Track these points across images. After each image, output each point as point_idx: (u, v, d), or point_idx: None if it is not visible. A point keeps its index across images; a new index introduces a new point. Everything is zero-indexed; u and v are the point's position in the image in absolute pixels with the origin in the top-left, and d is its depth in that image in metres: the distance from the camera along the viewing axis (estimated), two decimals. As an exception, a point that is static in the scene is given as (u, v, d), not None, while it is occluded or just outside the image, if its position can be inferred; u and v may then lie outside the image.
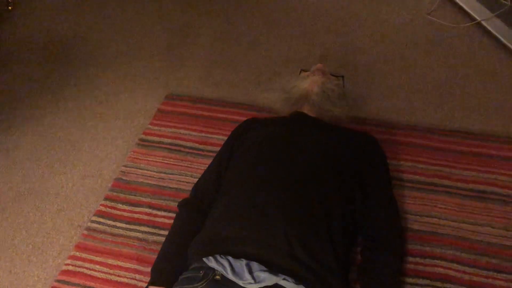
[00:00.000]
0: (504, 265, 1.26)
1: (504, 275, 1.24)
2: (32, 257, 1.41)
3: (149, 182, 1.55)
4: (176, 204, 1.35)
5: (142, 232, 1.40)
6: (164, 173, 1.57)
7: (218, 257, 1.06)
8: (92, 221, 1.45)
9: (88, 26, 2.33)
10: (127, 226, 1.42)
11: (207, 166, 1.43)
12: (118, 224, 1.43)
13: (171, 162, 1.60)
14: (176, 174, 1.56)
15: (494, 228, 1.34)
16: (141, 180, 1.56)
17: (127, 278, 1.30)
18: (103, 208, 1.48)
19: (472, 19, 2.09)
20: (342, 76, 1.59)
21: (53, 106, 1.91)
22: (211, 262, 1.05)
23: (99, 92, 1.96)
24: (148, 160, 1.62)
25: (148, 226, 1.42)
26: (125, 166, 1.61)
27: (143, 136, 1.71)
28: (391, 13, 2.22)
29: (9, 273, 1.38)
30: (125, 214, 1.46)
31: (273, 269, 1.03)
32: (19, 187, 1.61)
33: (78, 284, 1.30)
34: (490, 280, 1.23)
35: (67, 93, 1.97)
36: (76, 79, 2.04)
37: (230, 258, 1.05)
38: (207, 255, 1.08)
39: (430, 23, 2.14)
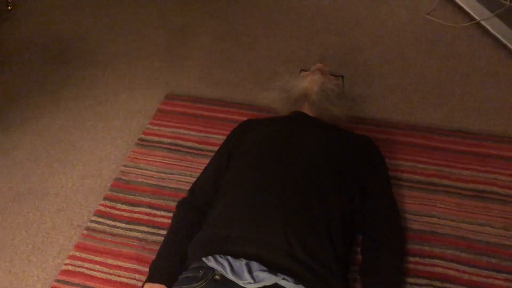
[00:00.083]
0: (504, 264, 1.26)
1: (504, 274, 1.24)
2: (31, 257, 1.41)
3: (149, 182, 1.55)
4: (176, 204, 1.35)
5: (142, 232, 1.40)
6: (164, 173, 1.57)
7: (217, 257, 1.06)
8: (92, 221, 1.45)
9: (88, 26, 2.33)
10: (127, 226, 1.42)
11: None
12: (118, 224, 1.43)
13: (171, 162, 1.60)
14: (176, 174, 1.56)
15: (494, 227, 1.34)
16: (141, 180, 1.56)
17: (127, 278, 1.30)
18: (102, 208, 1.48)
19: (472, 19, 2.09)
20: (342, 76, 1.59)
21: (53, 106, 1.91)
22: (210, 262, 1.06)
23: (99, 92, 1.96)
24: (147, 160, 1.62)
25: (147, 226, 1.42)
26: (125, 166, 1.61)
27: (143, 136, 1.71)
28: (391, 13, 2.22)
29: (8, 273, 1.38)
30: (125, 214, 1.46)
31: (272, 268, 1.03)
32: (18, 187, 1.61)
33: (78, 284, 1.30)
34: (489, 280, 1.23)
35: (66, 93, 1.97)
36: (75, 79, 2.04)
37: (229, 258, 1.05)
38: (206, 255, 1.08)
39: (429, 23, 2.14)
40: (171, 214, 1.37)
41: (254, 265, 1.03)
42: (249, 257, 1.05)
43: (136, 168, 1.59)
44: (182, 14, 2.35)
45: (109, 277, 1.31)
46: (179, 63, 2.07)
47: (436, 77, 1.87)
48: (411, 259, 1.28)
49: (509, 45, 1.92)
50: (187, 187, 1.41)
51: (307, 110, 1.43)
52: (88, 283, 1.30)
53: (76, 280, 1.31)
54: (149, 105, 1.87)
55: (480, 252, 1.29)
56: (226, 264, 1.03)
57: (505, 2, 2.00)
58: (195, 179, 1.41)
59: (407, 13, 2.20)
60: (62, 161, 1.68)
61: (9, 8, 2.45)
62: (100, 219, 1.45)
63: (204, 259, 1.07)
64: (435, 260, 1.28)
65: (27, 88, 2.01)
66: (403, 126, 1.66)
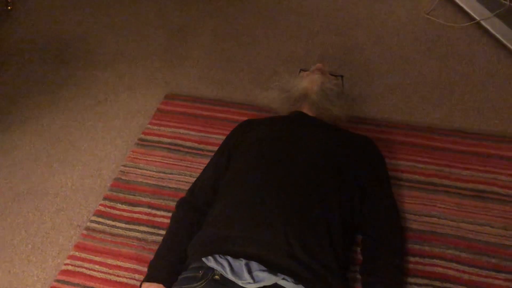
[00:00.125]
0: (503, 264, 1.26)
1: (503, 274, 1.24)
2: (31, 257, 1.41)
3: (149, 182, 1.55)
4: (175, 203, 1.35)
5: (142, 232, 1.40)
6: (164, 172, 1.57)
7: (217, 257, 1.06)
8: (92, 221, 1.45)
9: (88, 26, 2.33)
10: (127, 226, 1.42)
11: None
12: (118, 224, 1.43)
13: (171, 162, 1.60)
14: (176, 174, 1.56)
15: (493, 227, 1.34)
16: (141, 180, 1.56)
17: (127, 278, 1.30)
18: (102, 208, 1.48)
19: (472, 18, 2.09)
20: (341, 76, 1.59)
21: (53, 106, 1.91)
22: (210, 262, 1.06)
23: (99, 92, 1.96)
24: (147, 159, 1.62)
25: (147, 226, 1.42)
26: (125, 165, 1.61)
27: (143, 136, 1.71)
28: (390, 13, 2.22)
29: (8, 273, 1.38)
30: (125, 214, 1.46)
31: (272, 268, 1.03)
32: (18, 187, 1.61)
33: (78, 284, 1.30)
34: (489, 280, 1.23)
35: (66, 93, 1.97)
36: (75, 79, 2.04)
37: (229, 258, 1.05)
38: (206, 255, 1.08)
39: (429, 22, 2.14)
40: (170, 214, 1.37)
41: (254, 265, 1.03)
42: (248, 257, 1.05)
43: (135, 168, 1.59)
44: (182, 14, 2.35)
45: (108, 277, 1.31)
46: (179, 63, 2.07)
47: (436, 77, 1.87)
48: (411, 259, 1.28)
49: (509, 45, 1.92)
50: (186, 187, 1.41)
51: (307, 110, 1.43)
52: (87, 283, 1.30)
53: (75, 280, 1.31)
54: (149, 105, 1.86)
55: (480, 252, 1.29)
56: (225, 264, 1.03)
57: (505, 2, 2.00)
58: (194, 179, 1.41)
59: (406, 13, 2.20)
60: (62, 161, 1.68)
61: (9, 8, 2.45)
62: (100, 219, 1.45)
63: (203, 259, 1.07)
64: (434, 260, 1.28)
65: (27, 88, 2.01)
66: (403, 126, 1.66)
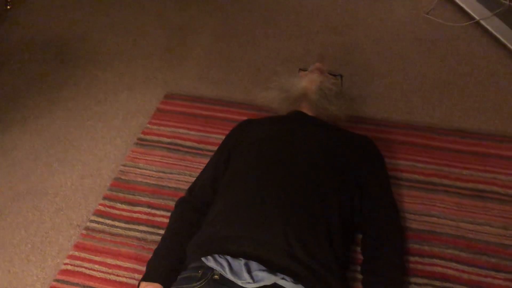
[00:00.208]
0: (503, 264, 1.26)
1: (503, 274, 1.24)
2: (31, 257, 1.41)
3: (148, 181, 1.55)
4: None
5: (141, 231, 1.40)
6: (163, 172, 1.57)
7: (216, 256, 1.06)
8: (91, 221, 1.45)
9: (87, 25, 2.33)
10: (126, 225, 1.42)
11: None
12: (117, 224, 1.43)
13: (170, 162, 1.60)
14: (175, 174, 1.56)
15: (493, 227, 1.34)
16: (140, 179, 1.56)
17: (126, 277, 1.30)
18: (102, 208, 1.48)
19: (471, 18, 2.09)
20: (341, 75, 1.59)
21: (52, 106, 1.91)
22: (209, 261, 1.06)
23: (98, 91, 1.96)
24: (147, 159, 1.62)
25: (147, 225, 1.42)
26: (124, 165, 1.61)
27: (142, 136, 1.71)
28: (390, 13, 2.22)
29: (8, 272, 1.38)
30: (124, 213, 1.46)
31: (271, 268, 1.03)
32: (18, 186, 1.61)
33: (77, 284, 1.30)
34: (489, 279, 1.24)
35: (66, 92, 1.97)
36: (75, 78, 2.03)
37: (228, 257, 1.05)
38: (205, 254, 1.08)
39: (429, 22, 2.14)
40: (170, 214, 1.37)
41: (253, 264, 1.03)
42: (248, 257, 1.05)
43: (135, 167, 1.59)
44: (182, 14, 2.35)
45: (108, 276, 1.31)
46: (178, 63, 2.07)
47: (435, 77, 1.87)
48: (411, 258, 1.28)
49: (508, 44, 1.92)
50: (186, 186, 1.41)
51: (306, 109, 1.43)
52: (87, 283, 1.30)
53: (75, 279, 1.31)
54: (148, 104, 1.86)
55: (480, 252, 1.29)
56: (225, 264, 1.03)
57: (504, 1, 2.00)
58: (194, 178, 1.41)
59: (406, 13, 2.20)
60: (62, 160, 1.68)
61: (8, 7, 2.45)
62: (100, 219, 1.45)
63: (203, 259, 1.07)
64: (434, 260, 1.28)
65: (27, 88, 2.01)
66: (402, 125, 1.66)
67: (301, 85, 1.45)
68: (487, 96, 1.77)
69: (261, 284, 1.00)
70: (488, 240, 1.31)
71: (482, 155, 1.54)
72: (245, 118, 1.55)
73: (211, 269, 1.05)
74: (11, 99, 1.96)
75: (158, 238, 1.32)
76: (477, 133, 1.62)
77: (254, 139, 1.34)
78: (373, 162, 1.36)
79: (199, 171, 1.43)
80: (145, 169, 1.58)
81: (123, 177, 1.57)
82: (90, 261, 1.35)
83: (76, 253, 1.37)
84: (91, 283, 1.30)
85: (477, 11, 2.08)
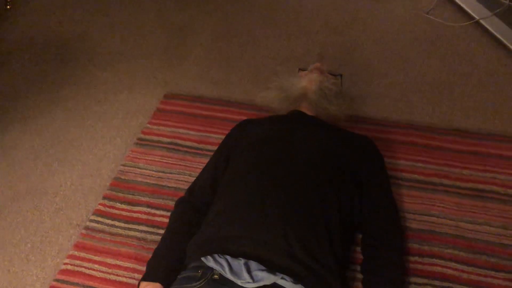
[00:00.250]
0: (503, 263, 1.26)
1: (503, 273, 1.24)
2: (30, 256, 1.41)
3: (148, 181, 1.55)
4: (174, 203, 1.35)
5: (141, 231, 1.40)
6: (163, 172, 1.57)
7: (216, 256, 1.06)
8: (91, 220, 1.45)
9: (87, 25, 2.33)
10: (126, 225, 1.42)
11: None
12: (117, 224, 1.43)
13: (170, 161, 1.60)
14: (175, 173, 1.56)
15: (493, 226, 1.34)
16: (140, 179, 1.56)
17: (126, 277, 1.30)
18: (101, 208, 1.48)
19: (471, 18, 2.09)
20: (340, 75, 1.59)
21: (52, 105, 1.91)
22: (209, 261, 1.06)
23: (98, 91, 1.96)
24: (146, 159, 1.62)
25: (146, 225, 1.42)
26: (124, 165, 1.61)
27: (142, 135, 1.71)
28: (390, 12, 2.22)
29: (7, 272, 1.38)
30: (124, 213, 1.46)
31: (271, 268, 1.03)
32: (17, 186, 1.61)
33: (77, 284, 1.30)
34: (488, 279, 1.24)
35: (65, 92, 1.97)
36: (75, 78, 2.03)
37: (228, 257, 1.05)
38: (205, 254, 1.08)
39: (428, 22, 2.14)
40: (170, 214, 1.37)
41: (253, 264, 1.03)
42: (248, 257, 1.05)
43: (135, 167, 1.59)
44: (181, 14, 2.35)
45: (108, 276, 1.31)
46: (178, 63, 2.07)
47: (435, 76, 1.87)
48: (410, 258, 1.28)
49: (508, 44, 1.92)
50: (186, 186, 1.41)
51: (305, 109, 1.43)
52: (87, 283, 1.30)
53: (75, 279, 1.31)
54: (148, 104, 1.86)
55: (479, 251, 1.29)
56: (224, 263, 1.03)
57: (504, 1, 2.00)
58: (194, 178, 1.41)
59: (406, 13, 2.20)
60: (61, 160, 1.68)
61: (8, 7, 2.45)
62: (99, 219, 1.45)
63: (203, 258, 1.07)
64: (434, 259, 1.28)
65: (26, 88, 2.01)
66: (402, 125, 1.66)
67: (301, 85, 1.45)
68: (487, 96, 1.77)
69: (261, 283, 1.00)
70: (487, 239, 1.31)
71: (482, 155, 1.54)
72: (245, 118, 1.55)
73: (211, 269, 1.05)
74: (11, 99, 1.96)
75: (158, 238, 1.32)
76: (477, 133, 1.62)
77: (254, 139, 1.34)
78: (373, 162, 1.36)
79: (199, 171, 1.43)
80: (145, 169, 1.58)
81: (122, 176, 1.57)
82: (90, 260, 1.35)
83: (76, 253, 1.37)
84: (90, 283, 1.30)
85: (477, 11, 2.08)
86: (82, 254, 1.36)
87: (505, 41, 1.94)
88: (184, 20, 2.30)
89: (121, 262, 1.34)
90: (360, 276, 1.21)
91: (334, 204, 1.17)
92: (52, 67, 2.10)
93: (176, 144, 1.66)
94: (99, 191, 1.55)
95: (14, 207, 1.55)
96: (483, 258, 1.28)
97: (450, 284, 1.23)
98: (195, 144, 1.65)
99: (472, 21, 2.08)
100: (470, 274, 1.24)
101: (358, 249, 1.28)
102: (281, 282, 1.01)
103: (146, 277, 1.15)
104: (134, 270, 1.31)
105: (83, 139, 1.75)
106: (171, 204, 1.39)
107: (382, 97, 1.80)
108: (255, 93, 1.83)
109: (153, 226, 1.41)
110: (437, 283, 1.23)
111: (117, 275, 1.31)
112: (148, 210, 1.46)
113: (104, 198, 1.51)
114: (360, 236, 1.28)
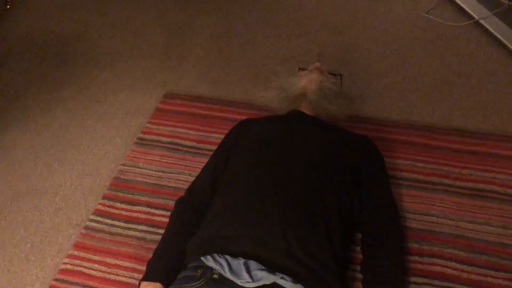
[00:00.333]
0: (503, 263, 1.26)
1: (502, 273, 1.24)
2: (30, 256, 1.41)
3: (148, 181, 1.55)
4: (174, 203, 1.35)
5: (141, 231, 1.40)
6: (163, 172, 1.57)
7: (216, 256, 1.06)
8: (91, 220, 1.45)
9: (87, 25, 2.33)
10: (126, 225, 1.42)
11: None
12: (117, 223, 1.43)
13: (170, 161, 1.60)
14: (175, 173, 1.56)
15: (492, 226, 1.34)
16: (140, 179, 1.56)
17: (126, 277, 1.30)
18: (101, 207, 1.48)
19: (471, 17, 2.09)
20: (340, 75, 1.59)
21: (52, 105, 1.91)
22: (209, 261, 1.06)
23: (98, 91, 1.96)
24: (146, 159, 1.62)
25: (146, 225, 1.42)
26: (124, 165, 1.61)
27: (142, 135, 1.71)
28: (389, 12, 2.22)
29: (7, 272, 1.38)
30: (124, 213, 1.46)
31: (271, 268, 1.03)
32: (17, 186, 1.61)
33: (77, 283, 1.30)
34: (488, 279, 1.23)
35: (65, 92, 1.97)
36: (74, 78, 2.04)
37: (228, 257, 1.05)
38: (205, 254, 1.08)
39: (428, 21, 2.14)
40: (169, 213, 1.37)
41: (252, 264, 1.03)
42: (247, 256, 1.05)
43: (135, 167, 1.59)
44: (181, 14, 2.35)
45: (107, 276, 1.31)
46: (177, 62, 2.07)
47: (435, 76, 1.87)
48: (410, 258, 1.28)
49: (508, 44, 1.92)
50: (185, 186, 1.41)
51: (305, 109, 1.43)
52: (86, 282, 1.30)
53: (74, 279, 1.31)
54: (147, 104, 1.86)
55: (479, 251, 1.29)
56: (224, 263, 1.03)
57: (504, 1, 2.00)
58: (193, 178, 1.41)
59: (406, 12, 2.20)
60: (61, 160, 1.68)
61: (8, 7, 2.45)
62: (99, 218, 1.45)
63: (202, 258, 1.07)
64: (433, 259, 1.28)
65: (26, 87, 2.01)
66: (402, 125, 1.66)
67: (301, 85, 1.45)
68: (486, 95, 1.77)
69: (260, 283, 1.00)
70: (487, 239, 1.31)
71: (481, 154, 1.53)
72: (244, 117, 1.55)
73: (211, 268, 1.05)
74: (10, 98, 1.96)
75: (158, 237, 1.32)
76: (476, 132, 1.62)
77: (254, 138, 1.34)
78: (373, 162, 1.36)
79: (199, 170, 1.43)
80: (145, 169, 1.58)
81: (122, 176, 1.57)
82: (89, 260, 1.35)
83: (76, 253, 1.37)
84: (90, 283, 1.30)
85: (476, 11, 2.08)
86: (82, 254, 1.36)
87: (505, 41, 1.94)
88: (184, 20, 2.30)
89: (120, 261, 1.34)
90: (360, 276, 1.21)
91: (334, 204, 1.17)
92: (51, 66, 2.10)
93: (175, 143, 1.66)
94: (99, 191, 1.55)
95: (14, 207, 1.55)
96: (483, 257, 1.28)
97: (450, 284, 1.23)
98: (194, 144, 1.65)
99: (472, 21, 2.08)
100: (470, 273, 1.24)
101: (358, 249, 1.28)
102: (280, 281, 1.01)
103: (147, 277, 1.15)
104: (134, 270, 1.31)
105: (83, 139, 1.75)
106: (171, 203, 1.39)
107: (382, 97, 1.80)
108: (255, 92, 1.84)
109: (153, 226, 1.41)
110: (437, 282, 1.23)
111: (116, 274, 1.31)
112: (148, 209, 1.46)
113: (104, 197, 1.51)
114: (360, 236, 1.28)
